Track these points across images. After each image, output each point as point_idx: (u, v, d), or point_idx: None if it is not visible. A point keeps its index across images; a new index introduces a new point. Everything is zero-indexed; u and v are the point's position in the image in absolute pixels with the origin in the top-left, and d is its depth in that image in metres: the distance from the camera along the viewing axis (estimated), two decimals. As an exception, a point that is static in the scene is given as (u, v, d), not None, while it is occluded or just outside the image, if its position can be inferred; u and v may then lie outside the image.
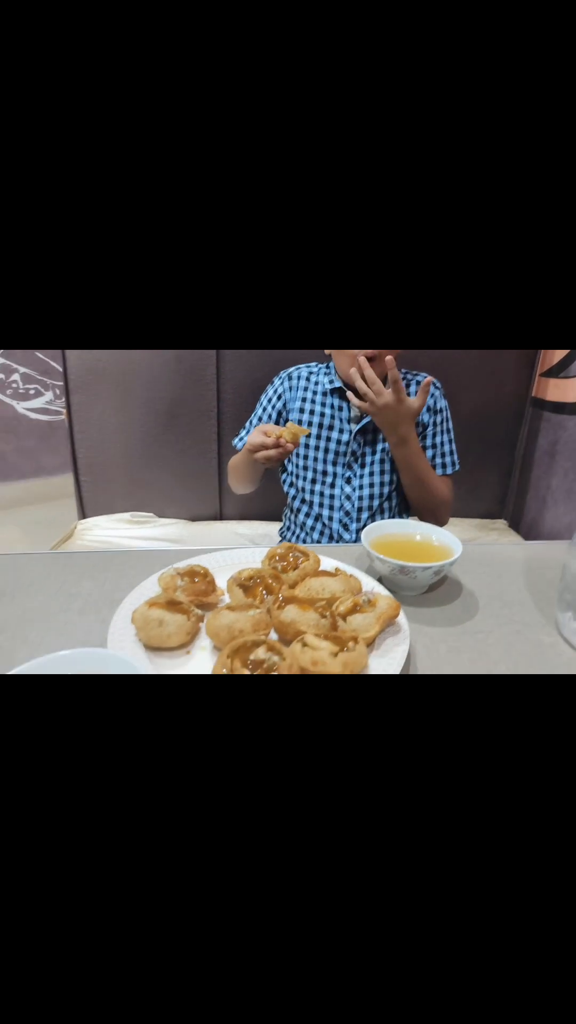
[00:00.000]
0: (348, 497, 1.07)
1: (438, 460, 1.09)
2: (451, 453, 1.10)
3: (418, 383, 1.06)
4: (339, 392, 1.05)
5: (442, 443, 1.09)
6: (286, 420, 1.09)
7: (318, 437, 1.06)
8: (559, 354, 1.45)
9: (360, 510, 1.07)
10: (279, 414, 1.10)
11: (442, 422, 1.08)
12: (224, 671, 0.48)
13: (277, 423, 1.09)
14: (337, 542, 1.08)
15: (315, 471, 1.08)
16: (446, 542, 0.72)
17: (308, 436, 1.05)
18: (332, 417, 1.06)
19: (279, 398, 1.10)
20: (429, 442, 1.07)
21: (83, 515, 1.55)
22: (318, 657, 0.50)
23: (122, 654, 0.46)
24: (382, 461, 1.06)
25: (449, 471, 1.10)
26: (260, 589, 0.62)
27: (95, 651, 0.47)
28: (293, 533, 1.15)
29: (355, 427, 1.04)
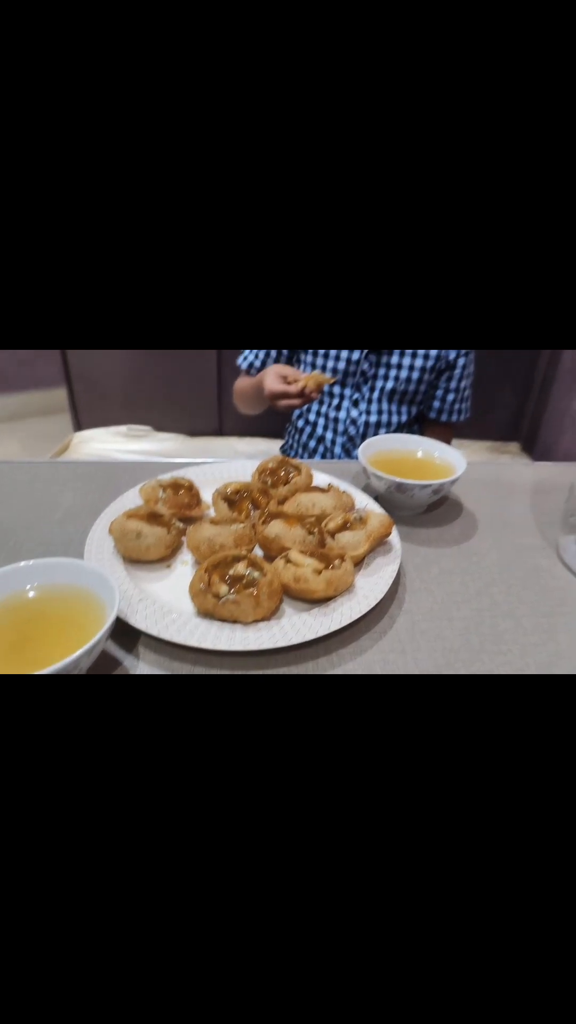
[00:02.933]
0: (354, 421, 1.00)
1: (457, 406, 1.02)
2: (468, 399, 1.03)
3: None
4: None
5: (464, 387, 1.02)
6: None
7: (325, 356, 0.98)
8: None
9: (365, 437, 1.01)
10: None
11: (468, 364, 1.00)
12: (202, 585, 0.46)
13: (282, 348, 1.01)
14: None
15: (321, 391, 1.01)
16: (449, 459, 0.67)
17: (333, 383, 0.97)
18: None
19: None
20: (454, 385, 1.00)
21: (78, 427, 1.50)
22: (301, 574, 0.47)
23: (94, 565, 0.44)
24: (393, 391, 0.98)
25: (462, 418, 1.04)
26: (247, 503, 0.58)
27: (67, 561, 0.45)
28: (296, 452, 1.11)
29: None
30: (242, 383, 1.05)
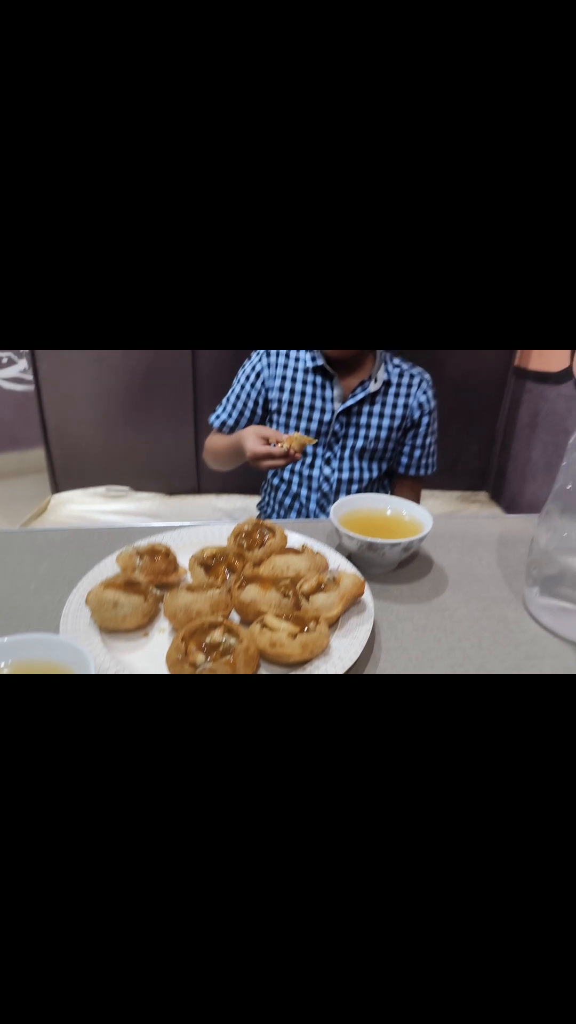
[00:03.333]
0: (327, 479, 1.04)
1: (424, 461, 1.08)
2: (434, 454, 1.09)
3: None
4: (322, 370, 1.01)
5: (430, 443, 1.07)
6: (266, 400, 1.05)
7: (298, 417, 1.03)
8: (543, 322, 1.42)
9: (338, 493, 1.05)
10: (259, 394, 1.05)
11: (432, 422, 1.06)
12: (178, 655, 0.46)
13: (256, 407, 1.06)
14: None
15: (304, 451, 1.05)
16: (417, 517, 0.70)
17: (314, 444, 1.02)
18: (314, 396, 1.01)
19: (257, 376, 1.05)
20: (419, 442, 1.06)
21: (56, 489, 1.51)
22: (277, 639, 0.48)
23: (68, 639, 0.44)
24: (363, 449, 1.03)
25: (430, 472, 1.09)
26: (223, 568, 0.60)
27: (41, 636, 0.45)
28: (272, 509, 1.13)
29: (339, 407, 1.01)
30: (215, 441, 1.08)
